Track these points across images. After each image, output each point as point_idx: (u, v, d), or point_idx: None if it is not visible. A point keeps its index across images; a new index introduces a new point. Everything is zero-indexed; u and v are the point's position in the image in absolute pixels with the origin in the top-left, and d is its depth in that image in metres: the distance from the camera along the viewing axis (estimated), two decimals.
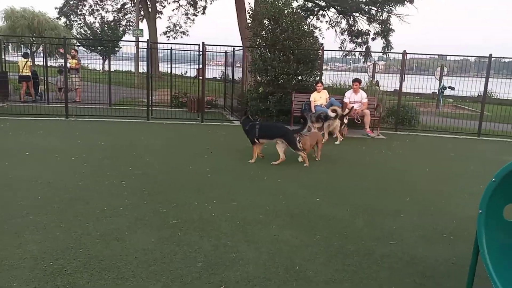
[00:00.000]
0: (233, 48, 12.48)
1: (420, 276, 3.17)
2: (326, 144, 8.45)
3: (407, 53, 10.59)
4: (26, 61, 13.42)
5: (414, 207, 4.78)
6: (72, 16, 35.40)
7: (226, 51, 13.62)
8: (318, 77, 10.73)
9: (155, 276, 3.03)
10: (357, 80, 9.88)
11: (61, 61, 27.25)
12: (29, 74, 13.34)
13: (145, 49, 11.39)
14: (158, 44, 23.30)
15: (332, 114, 8.45)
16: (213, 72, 17.38)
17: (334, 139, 8.71)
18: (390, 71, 18.37)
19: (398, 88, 12.33)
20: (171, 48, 14.38)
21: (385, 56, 24.01)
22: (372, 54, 24.22)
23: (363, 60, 25.35)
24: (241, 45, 18.49)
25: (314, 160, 6.89)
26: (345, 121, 8.98)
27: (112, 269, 3.10)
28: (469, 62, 16.97)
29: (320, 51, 10.81)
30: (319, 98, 9.77)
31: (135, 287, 2.89)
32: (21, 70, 13.21)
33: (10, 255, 3.22)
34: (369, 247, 3.66)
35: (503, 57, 13.61)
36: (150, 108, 10.77)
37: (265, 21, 11.24)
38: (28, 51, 20.89)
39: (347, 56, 24.31)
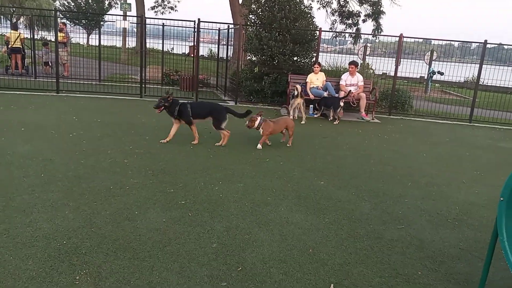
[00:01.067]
0: (228, 26, 12.28)
1: (432, 261, 3.25)
2: (324, 127, 8.50)
3: (404, 37, 10.59)
4: (18, 34, 13.03)
5: (416, 191, 4.86)
6: None
7: (219, 28, 13.40)
8: (315, 59, 10.66)
9: (171, 257, 3.03)
10: (353, 63, 9.86)
11: (43, 33, 26.49)
12: (21, 46, 13.02)
13: (135, 24, 11.10)
14: (152, 19, 22.67)
15: (294, 92, 8.57)
16: (202, 50, 17.12)
17: (300, 119, 8.81)
18: (376, 54, 18.41)
19: (386, 72, 12.40)
20: (163, 24, 14.07)
21: (373, 38, 24.03)
22: (362, 36, 24.21)
23: (352, 42, 25.30)
24: (232, 21, 18.23)
25: (315, 143, 6.93)
26: (342, 104, 8.99)
27: (127, 249, 3.08)
28: (453, 47, 17.09)
29: (318, 31, 10.70)
30: (315, 79, 9.74)
31: (152, 267, 2.88)
32: (12, 42, 12.79)
33: (21, 233, 3.17)
34: (378, 231, 3.72)
35: (502, 44, 13.73)
36: (143, 86, 10.58)
37: None
38: (16, 22, 20.13)
39: (336, 38, 24.25)
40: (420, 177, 5.46)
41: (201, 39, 18.87)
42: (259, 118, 6.29)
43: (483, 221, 4.11)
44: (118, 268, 2.83)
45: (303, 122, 8.70)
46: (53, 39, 11.13)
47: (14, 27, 13.46)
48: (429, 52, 17.74)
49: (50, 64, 13.73)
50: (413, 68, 13.11)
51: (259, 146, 6.27)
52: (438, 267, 3.17)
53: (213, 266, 2.95)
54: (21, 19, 30.00)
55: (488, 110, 11.50)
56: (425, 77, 18.52)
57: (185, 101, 6.24)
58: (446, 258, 3.31)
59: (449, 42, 15.09)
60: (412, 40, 17.73)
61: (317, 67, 9.78)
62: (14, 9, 34.96)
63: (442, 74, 17.18)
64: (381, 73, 13.33)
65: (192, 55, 13.10)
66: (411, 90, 13.40)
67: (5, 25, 16.26)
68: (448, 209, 4.39)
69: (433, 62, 17.96)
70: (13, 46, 12.85)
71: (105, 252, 3.02)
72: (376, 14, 24.72)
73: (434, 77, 18.42)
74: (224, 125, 6.23)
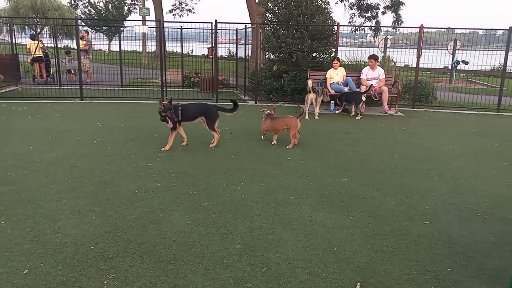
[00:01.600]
0: (245, 26, 12.28)
1: (461, 257, 3.16)
2: (346, 123, 8.40)
3: (424, 28, 10.36)
4: (37, 43, 13.39)
5: (443, 185, 4.75)
6: None
7: (237, 28, 13.42)
8: (334, 54, 10.55)
9: (196, 259, 3.05)
10: (373, 57, 9.71)
11: (65, 42, 27.16)
12: (42, 55, 13.38)
13: (153, 28, 11.23)
14: (170, 23, 23.00)
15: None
16: (221, 50, 17.19)
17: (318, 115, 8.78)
18: (397, 46, 18.07)
19: (408, 64, 12.15)
20: (182, 26, 14.20)
21: (393, 30, 23.62)
22: (382, 28, 23.82)
23: (372, 35, 24.93)
24: (249, 21, 18.23)
25: (337, 139, 6.87)
26: (363, 98, 8.87)
27: (153, 253, 3.12)
28: (479, 35, 16.61)
29: (335, 27, 10.58)
30: (335, 75, 9.64)
31: (178, 270, 2.90)
32: (33, 52, 13.18)
33: (51, 239, 3.25)
34: (405, 228, 3.65)
35: None
36: (164, 89, 10.70)
37: None
38: (34, 32, 20.74)
39: (355, 31, 23.93)
40: (447, 170, 5.33)
41: (220, 40, 18.99)
42: (266, 111, 6.43)
43: None
44: (145, 271, 2.87)
45: (316, 117, 8.63)
46: (75, 47, 11.37)
47: (32, 37, 13.87)
48: (452, 41, 17.31)
49: (73, 72, 14.07)
50: (436, 59, 12.81)
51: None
52: (468, 262, 3.09)
53: (238, 267, 2.95)
54: (45, 29, 30.83)
55: None
56: (449, 67, 18.08)
57: (175, 103, 5.97)
58: (477, 253, 3.22)
59: (473, 30, 14.66)
60: (434, 30, 17.37)
61: (337, 63, 9.68)
62: (38, 19, 35.95)
63: (466, 63, 16.74)
64: (403, 66, 13.11)
65: (210, 57, 13.17)
66: (435, 81, 13.13)
67: (30, 35, 16.93)
68: (477, 202, 4.26)
69: (457, 51, 17.52)
70: (34, 55, 13.23)
71: (131, 256, 3.06)
72: (395, 6, 24.28)
73: (459, 67, 17.96)
74: (217, 124, 6.17)
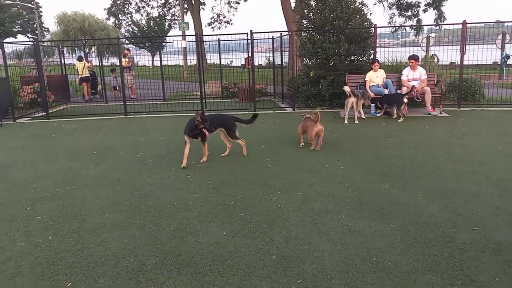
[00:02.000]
0: (281, 34, 12.31)
1: (511, 265, 2.97)
2: (388, 126, 8.18)
3: (467, 23, 9.93)
4: (84, 64, 14.15)
5: (491, 189, 4.49)
6: (119, 15, 36.63)
7: (273, 37, 13.48)
8: (372, 56, 10.34)
9: (231, 270, 3.06)
10: (413, 57, 9.41)
11: (112, 60, 28.41)
12: (88, 75, 14.19)
13: (193, 42, 11.52)
14: (207, 36, 23.59)
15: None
16: (259, 59, 17.31)
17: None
18: (442, 43, 17.42)
19: (454, 62, 11.65)
20: (219, 39, 14.46)
21: (437, 28, 22.80)
22: (425, 27, 23.08)
23: (414, 33, 24.18)
24: (287, 28, 18.26)
25: (378, 144, 6.71)
26: (405, 100, 8.60)
27: (189, 264, 3.16)
28: None
29: (372, 28, 10.37)
30: (375, 77, 9.43)
31: (213, 282, 2.92)
32: (80, 73, 13.93)
33: (93, 253, 3.38)
34: (449, 234, 3.48)
35: None
36: (204, 101, 10.91)
37: (312, 2, 10.95)
38: (82, 53, 21.90)
39: (396, 31, 23.30)
40: (495, 172, 5.04)
41: (258, 49, 19.13)
42: (306, 115, 6.61)
43: None
44: (181, 284, 2.91)
45: (356, 122, 8.47)
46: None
47: (80, 59, 14.71)
48: (501, 35, 16.47)
49: (118, 88, 14.69)
50: (484, 55, 12.22)
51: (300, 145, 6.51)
52: None
53: (273, 279, 2.93)
54: (93, 49, 32.46)
55: None
56: (499, 63, 17.19)
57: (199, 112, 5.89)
58: None
59: None
60: (482, 24, 16.61)
61: (377, 65, 9.48)
62: (86, 40, 37.91)
63: None
64: (448, 64, 12.60)
65: (248, 66, 13.29)
66: (483, 78, 12.50)
67: (79, 55, 18.02)
68: None
69: (506, 45, 16.64)
70: (82, 76, 13.97)
71: (169, 268, 3.12)
72: (437, 2, 23.46)
73: (509, 61, 17.02)
74: (238, 133, 6.21)
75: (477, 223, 3.68)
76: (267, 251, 3.33)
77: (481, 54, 11.51)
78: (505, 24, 16.29)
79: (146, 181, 5.15)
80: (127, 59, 13.97)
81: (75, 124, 9.55)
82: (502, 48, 16.46)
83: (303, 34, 11.08)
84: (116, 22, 36.58)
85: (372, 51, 10.46)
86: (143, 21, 36.93)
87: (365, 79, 9.52)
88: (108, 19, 36.35)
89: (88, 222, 3.98)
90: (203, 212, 4.14)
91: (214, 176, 5.28)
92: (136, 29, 37.38)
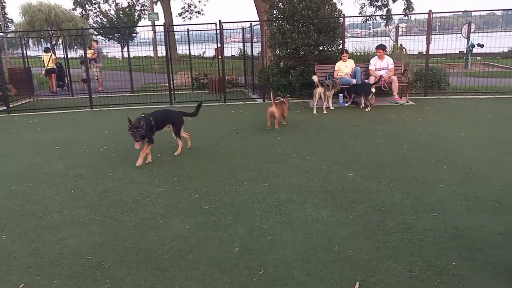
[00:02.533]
0: (251, 24, 12.20)
1: (468, 250, 3.02)
2: (355, 115, 8.25)
3: (432, 13, 10.08)
4: (50, 55, 13.88)
5: (453, 175, 4.58)
6: (87, 6, 35.57)
7: (243, 27, 13.37)
8: (341, 46, 10.38)
9: (192, 265, 3.00)
10: (380, 47, 9.49)
11: (80, 52, 27.63)
12: (54, 67, 13.91)
13: (163, 33, 11.28)
14: (175, 26, 23.19)
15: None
16: (230, 50, 17.15)
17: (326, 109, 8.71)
18: (412, 33, 17.68)
19: (422, 51, 11.83)
20: (188, 29, 14.22)
21: (406, 17, 23.13)
22: (394, 17, 23.37)
23: (384, 24, 24.47)
24: (258, 19, 18.13)
25: (345, 133, 6.75)
26: (373, 90, 8.68)
27: (150, 260, 3.09)
28: (496, 16, 16.11)
29: (341, 18, 10.40)
30: (344, 67, 9.48)
31: (173, 277, 2.86)
32: (46, 65, 13.64)
33: (49, 252, 3.26)
34: (410, 221, 3.53)
35: None
36: (172, 93, 10.72)
37: None
38: (49, 45, 21.25)
39: (367, 21, 23.53)
40: (458, 159, 5.15)
41: (230, 40, 18.91)
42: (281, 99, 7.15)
43: None
44: (140, 280, 2.84)
45: (325, 112, 8.52)
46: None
47: (46, 50, 14.25)
48: (466, 25, 16.83)
49: (86, 81, 14.33)
50: (451, 44, 12.45)
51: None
52: (474, 256, 2.95)
53: (235, 272, 2.90)
54: (60, 40, 31.45)
55: None
56: (465, 52, 17.59)
57: (144, 115, 5.44)
58: (484, 246, 3.08)
59: (490, 11, 14.20)
60: (450, 14, 16.90)
61: (345, 55, 9.52)
62: (52, 32, 36.65)
63: (482, 46, 16.23)
64: (416, 53, 12.78)
65: (218, 57, 13.14)
66: (450, 67, 12.76)
67: (46, 46, 17.44)
68: (488, 191, 4.09)
69: (472, 34, 17.03)
70: (47, 68, 13.56)
71: (128, 265, 3.04)
72: None
73: (475, 50, 17.44)
74: (183, 130, 5.85)
75: (437, 209, 3.74)
76: (230, 243, 3.29)
77: (448, 44, 11.74)
78: (472, 13, 16.65)
79: (109, 176, 5.02)
80: (92, 51, 13.60)
81: (38, 119, 9.22)
82: (468, 38, 16.83)
83: (273, 25, 11.01)
84: (84, 12, 35.49)
85: (341, 41, 10.50)
86: (112, 12, 35.98)
87: (335, 69, 9.56)
88: (74, 9, 35.22)
89: (46, 220, 3.84)
90: (166, 206, 4.06)
91: (180, 169, 5.19)
92: (105, 19, 36.39)
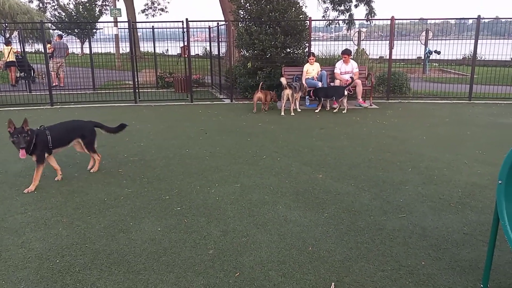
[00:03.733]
0: (218, 23, 12.14)
1: (435, 249, 3.15)
2: (322, 118, 8.39)
3: (395, 19, 10.43)
4: (11, 48, 13.73)
5: (417, 177, 4.76)
6: None
7: (209, 26, 13.29)
8: (307, 49, 10.54)
9: (167, 268, 2.95)
10: (345, 52, 9.68)
11: (37, 46, 26.51)
12: (15, 60, 13.65)
13: (126, 29, 11.01)
14: (141, 23, 22.79)
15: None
16: (196, 49, 17.00)
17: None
18: (372, 38, 18.22)
19: (383, 56, 12.22)
20: (153, 26, 13.96)
21: (367, 23, 23.80)
22: (356, 21, 24.01)
23: (346, 28, 25.06)
24: (223, 18, 18.07)
25: (313, 135, 6.85)
26: (346, 93, 8.86)
27: (122, 263, 3.01)
28: (450, 24, 16.91)
29: (308, 21, 10.55)
30: (311, 70, 9.61)
31: (148, 280, 2.80)
32: (6, 58, 13.45)
33: (13, 255, 3.10)
34: (379, 222, 3.63)
35: (499, 17, 13.50)
36: (137, 91, 10.50)
37: None
38: (2, 38, 20.28)
39: (330, 25, 24.01)
40: (420, 161, 5.35)
41: (195, 38, 18.72)
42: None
43: (487, 202, 4.00)
44: (113, 284, 2.76)
45: (292, 113, 8.63)
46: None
47: (7, 43, 13.77)
48: (424, 32, 17.53)
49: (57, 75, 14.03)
50: (410, 50, 12.94)
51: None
52: (442, 255, 3.08)
53: (210, 274, 2.87)
54: (15, 34, 30.01)
55: (488, 86, 11.35)
56: (422, 58, 18.32)
57: (41, 128, 4.67)
58: (450, 245, 3.21)
59: (445, 20, 14.91)
60: (408, 21, 17.56)
61: (312, 58, 9.65)
62: (6, 24, 34.89)
63: (438, 53, 16.96)
64: (377, 58, 13.18)
65: (184, 56, 12.99)
66: (409, 72, 13.23)
67: (7, 39, 16.54)
68: (450, 192, 4.28)
69: (430, 41, 17.76)
70: (7, 60, 13.09)
71: (99, 268, 2.94)
72: None
73: (432, 56, 18.20)
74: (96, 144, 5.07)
75: (405, 210, 3.87)
76: (204, 245, 3.26)
77: (407, 49, 12.19)
78: (428, 21, 17.36)
79: (74, 176, 4.85)
80: (49, 45, 13.20)
81: None
82: (426, 44, 17.53)
83: (240, 25, 11.01)
84: (41, 5, 34.05)
85: (307, 44, 10.65)
86: (71, 6, 34.74)
87: (303, 70, 9.67)
88: (31, 1, 33.71)
89: (8, 222, 3.65)
90: (136, 207, 3.96)
91: (148, 170, 5.08)
92: (64, 14, 35.07)
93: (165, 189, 4.42)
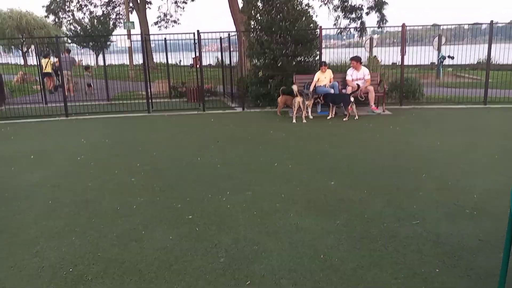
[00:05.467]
0: (229, 34, 12.24)
1: (450, 257, 3.09)
2: (334, 124, 8.36)
3: (406, 26, 10.37)
4: (48, 60, 14.70)
5: (431, 183, 4.69)
6: (60, 13, 34.90)
7: (221, 37, 13.38)
8: (319, 57, 10.53)
9: (178, 276, 2.95)
10: (354, 59, 9.64)
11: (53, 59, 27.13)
12: (51, 71, 14.84)
13: (139, 41, 11.17)
14: (153, 35, 23.15)
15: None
16: (208, 59, 17.14)
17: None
18: (384, 45, 18.13)
19: (395, 62, 12.15)
20: (165, 38, 14.13)
21: (379, 29, 23.72)
22: (368, 29, 23.94)
23: (358, 35, 24.98)
24: (235, 29, 18.22)
25: (325, 142, 6.83)
26: (352, 99, 8.82)
27: (134, 272, 3.02)
28: (463, 29, 16.74)
29: (318, 30, 10.56)
30: (323, 78, 9.57)
31: None
32: (44, 69, 14.47)
33: (28, 265, 3.14)
34: (392, 229, 3.58)
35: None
36: (150, 101, 10.61)
37: (259, 3, 10.98)
38: (50, 50, 21.16)
39: (341, 33, 23.98)
40: (435, 168, 5.28)
41: (207, 49, 18.89)
42: None
43: (503, 209, 3.91)
44: None
45: (304, 121, 8.61)
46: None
47: (45, 55, 14.95)
48: (437, 37, 17.40)
49: (92, 85, 14.91)
50: (423, 55, 12.84)
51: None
52: (456, 262, 3.02)
53: (221, 282, 2.86)
54: (32, 48, 30.70)
55: (503, 90, 11.16)
56: (436, 63, 18.15)
57: None
58: (465, 252, 3.15)
59: (458, 25, 14.77)
60: (420, 27, 17.46)
61: (325, 67, 9.59)
62: (24, 39, 35.75)
63: (452, 58, 16.78)
64: (390, 64, 13.09)
65: (196, 66, 13.11)
66: (422, 78, 13.12)
67: (16, 54, 16.93)
68: (465, 199, 4.20)
69: (443, 46, 17.60)
70: (44, 71, 14.45)
71: (112, 277, 2.96)
72: (379, 6, 24.37)
73: (445, 62, 18.03)
74: None
75: (418, 217, 3.82)
76: (215, 253, 3.25)
77: (420, 55, 12.08)
78: (441, 27, 17.23)
79: (88, 186, 4.90)
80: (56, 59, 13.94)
81: (10, 128, 8.93)
82: (439, 50, 17.38)
83: (251, 35, 11.08)
84: (57, 20, 34.78)
85: (318, 52, 10.65)
86: (86, 20, 35.38)
87: (314, 78, 9.63)
88: (47, 17, 34.50)
89: (23, 232, 3.71)
90: (148, 216, 3.99)
91: (160, 179, 5.12)
92: (79, 27, 35.75)
93: (177, 198, 4.44)
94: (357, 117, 8.79)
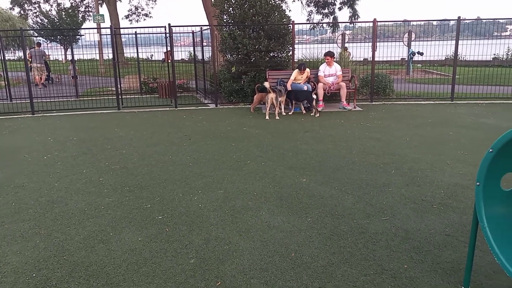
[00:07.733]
0: (201, 28, 12.10)
1: (418, 252, 3.15)
2: (306, 121, 8.39)
3: (377, 21, 10.50)
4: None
5: (400, 178, 4.77)
6: (26, 5, 33.74)
7: (193, 31, 13.22)
8: (291, 53, 10.54)
9: (146, 278, 2.89)
10: (328, 54, 9.70)
11: (19, 53, 26.18)
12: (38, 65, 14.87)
13: (109, 35, 10.90)
14: (123, 29, 22.62)
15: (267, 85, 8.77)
16: (180, 53, 16.90)
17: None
18: (356, 40, 18.36)
19: (367, 58, 12.31)
20: (136, 32, 13.86)
21: (351, 25, 23.99)
22: (340, 24, 24.18)
23: (331, 30, 25.20)
24: (207, 23, 18.03)
25: (297, 139, 6.84)
26: (314, 96, 8.88)
27: (101, 275, 2.94)
28: (432, 25, 17.12)
29: (291, 25, 10.57)
30: (300, 77, 9.52)
31: None
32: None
33: None
34: (362, 225, 3.62)
35: (480, 18, 13.69)
36: (120, 97, 10.38)
37: None
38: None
39: (314, 28, 24.14)
40: (404, 163, 5.37)
41: (179, 43, 18.63)
42: None
43: (469, 203, 4.03)
44: None
45: (277, 117, 8.62)
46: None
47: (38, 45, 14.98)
48: (407, 33, 17.72)
49: (77, 77, 14.39)
50: (393, 51, 13.07)
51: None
52: (424, 257, 3.07)
53: (191, 284, 2.82)
54: None
55: (469, 86, 11.49)
56: (406, 59, 18.51)
57: None
58: (432, 247, 3.21)
59: (427, 21, 15.10)
60: (391, 23, 17.74)
61: (303, 71, 9.47)
62: None
63: (421, 54, 17.14)
64: (362, 60, 13.26)
65: (168, 61, 12.91)
66: (392, 73, 13.35)
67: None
68: (433, 194, 4.30)
69: (412, 42, 17.95)
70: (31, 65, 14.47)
71: (77, 281, 2.87)
72: (351, 1, 24.67)
73: (415, 58, 18.40)
74: None
75: (387, 213, 3.87)
76: (186, 254, 3.21)
77: (390, 51, 12.28)
78: (411, 23, 17.56)
79: (54, 186, 4.75)
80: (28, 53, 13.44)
81: None
82: (409, 46, 17.71)
83: (223, 29, 10.98)
84: (22, 12, 33.59)
85: (291, 48, 10.66)
86: (53, 12, 34.30)
87: (291, 78, 9.56)
88: (12, 9, 33.27)
89: None
90: (116, 217, 3.89)
91: (130, 178, 5.01)
92: (46, 20, 34.62)
93: (147, 198, 4.35)
94: (317, 114, 8.82)
